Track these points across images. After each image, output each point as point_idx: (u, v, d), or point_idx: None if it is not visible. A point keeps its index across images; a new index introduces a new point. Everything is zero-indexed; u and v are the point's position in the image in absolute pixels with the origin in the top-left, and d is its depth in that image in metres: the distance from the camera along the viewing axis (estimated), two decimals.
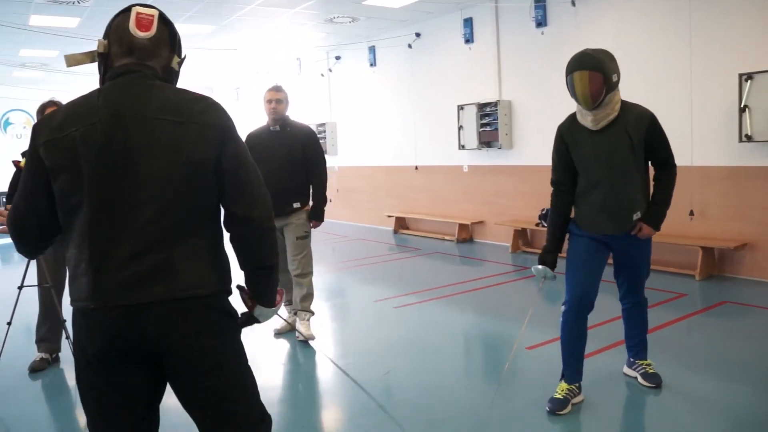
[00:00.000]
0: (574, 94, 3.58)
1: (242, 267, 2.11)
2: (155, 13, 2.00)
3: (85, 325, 1.92)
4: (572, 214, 3.89)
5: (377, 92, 12.05)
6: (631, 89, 7.45)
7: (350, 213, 13.17)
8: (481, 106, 9.49)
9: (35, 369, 4.78)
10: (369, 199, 12.57)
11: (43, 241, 2.06)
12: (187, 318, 1.92)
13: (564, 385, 3.81)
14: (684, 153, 7.16)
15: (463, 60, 10.00)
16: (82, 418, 3.78)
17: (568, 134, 3.76)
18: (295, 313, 5.41)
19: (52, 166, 1.90)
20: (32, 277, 4.76)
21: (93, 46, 2.10)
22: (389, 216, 11.70)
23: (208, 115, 1.96)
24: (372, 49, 11.98)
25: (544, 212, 8.24)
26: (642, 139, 3.60)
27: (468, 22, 9.84)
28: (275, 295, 2.20)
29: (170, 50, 2.06)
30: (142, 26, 1.98)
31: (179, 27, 8.25)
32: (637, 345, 4.12)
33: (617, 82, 3.59)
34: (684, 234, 7.27)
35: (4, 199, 4.95)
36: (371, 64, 12.07)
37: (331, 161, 13.38)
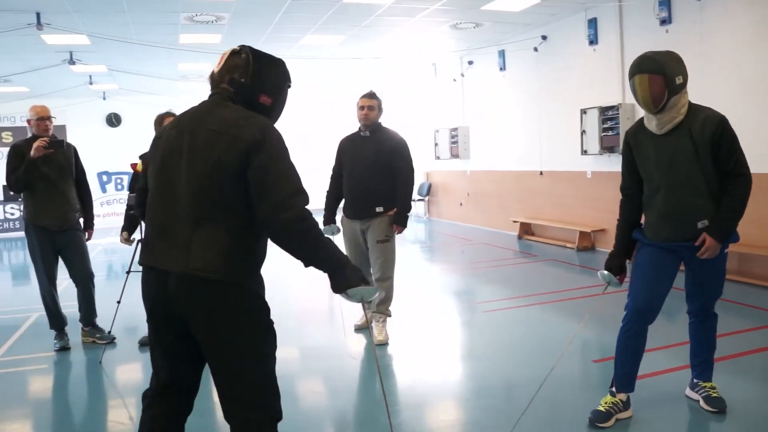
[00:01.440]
0: (636, 98, 3.49)
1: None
2: (227, 51, 2.57)
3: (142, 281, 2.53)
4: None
5: (507, 96, 11.93)
6: (762, 88, 6.93)
7: (480, 217, 13.13)
8: (603, 110, 9.13)
9: (144, 344, 5.43)
10: (498, 204, 12.46)
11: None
12: (194, 292, 2.35)
13: (609, 398, 3.68)
14: None
15: (588, 62, 9.67)
16: None
17: (633, 139, 3.68)
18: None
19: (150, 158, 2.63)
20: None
21: None
22: (514, 221, 11.55)
23: (243, 129, 2.37)
24: (501, 54, 11.88)
25: None
26: (708, 143, 3.41)
27: (592, 23, 9.49)
28: (343, 278, 2.45)
29: (240, 76, 2.52)
30: (217, 63, 2.60)
31: (310, 38, 8.62)
32: (701, 364, 3.85)
33: (682, 84, 3.44)
34: None
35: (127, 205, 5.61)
36: (501, 68, 11.98)
37: (463, 165, 13.54)
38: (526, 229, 11.44)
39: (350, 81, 16.48)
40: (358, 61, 13.23)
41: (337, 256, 2.45)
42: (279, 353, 2.50)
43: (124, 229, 5.60)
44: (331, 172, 5.70)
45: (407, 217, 5.46)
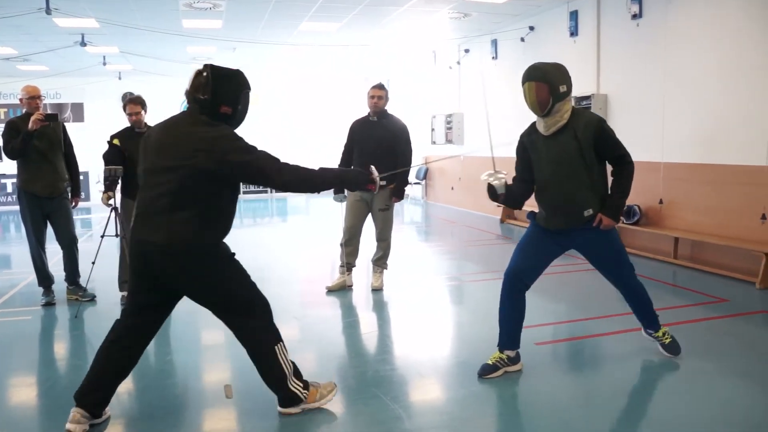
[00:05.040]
0: (526, 102, 4.02)
1: None
2: (193, 71, 3.38)
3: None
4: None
5: (498, 84, 12.32)
6: (721, 81, 7.28)
7: (471, 201, 13.58)
8: (579, 100, 9.51)
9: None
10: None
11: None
12: (171, 259, 3.27)
13: (496, 353, 4.19)
14: (759, 152, 6.86)
15: (568, 53, 10.00)
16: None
17: (527, 138, 4.21)
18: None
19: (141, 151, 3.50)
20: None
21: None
22: (498, 206, 11.94)
23: (205, 137, 3.22)
24: (494, 43, 12.27)
25: None
26: (591, 142, 3.94)
27: (574, 15, 9.85)
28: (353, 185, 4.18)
29: (202, 93, 3.32)
30: (188, 82, 3.40)
31: (307, 24, 9.40)
32: (645, 318, 4.44)
33: (566, 92, 3.96)
34: (751, 239, 6.97)
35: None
36: (493, 57, 12.37)
37: (457, 151, 13.94)
38: (508, 213, 11.88)
39: (354, 66, 16.97)
40: (361, 48, 13.70)
41: (333, 176, 3.62)
42: None
43: (105, 190, 6.03)
44: (342, 148, 6.61)
45: (404, 191, 6.45)
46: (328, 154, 11.36)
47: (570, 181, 3.99)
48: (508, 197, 4.15)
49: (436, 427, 3.51)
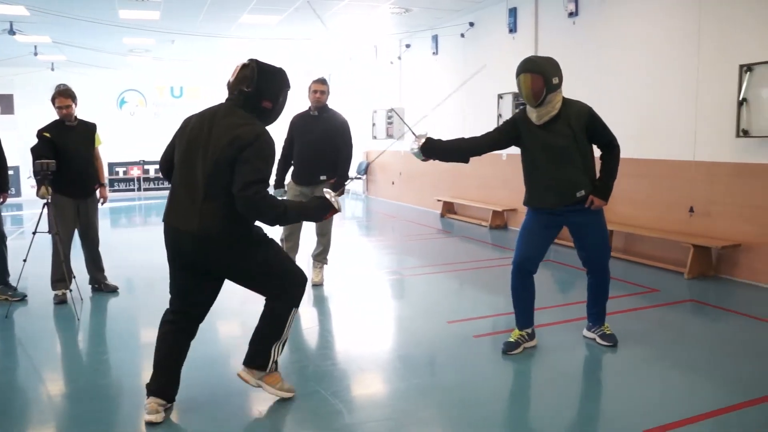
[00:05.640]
0: (520, 93, 4.21)
1: None
2: (239, 64, 3.43)
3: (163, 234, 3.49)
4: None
5: (438, 80, 12.43)
6: (652, 78, 7.51)
7: (411, 196, 13.68)
8: (517, 96, 9.68)
9: (60, 302, 5.92)
10: (428, 183, 13.00)
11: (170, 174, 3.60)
12: (204, 247, 3.33)
13: (516, 331, 4.57)
14: (686, 147, 7.12)
15: (507, 49, 10.19)
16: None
17: (522, 123, 4.39)
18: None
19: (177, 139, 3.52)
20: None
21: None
22: (438, 200, 12.12)
23: (244, 132, 3.26)
24: (435, 38, 12.36)
25: None
26: (583, 129, 4.27)
27: (512, 12, 10.01)
28: (316, 215, 3.59)
29: (247, 86, 3.36)
30: (232, 74, 3.44)
31: (247, 17, 9.33)
32: (596, 313, 4.74)
33: (558, 84, 4.22)
34: (681, 230, 7.22)
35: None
36: (434, 53, 12.45)
37: (397, 146, 14.00)
38: (448, 208, 12.01)
39: (295, 60, 16.84)
40: (302, 42, 13.61)
41: (297, 211, 3.51)
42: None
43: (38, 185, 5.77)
44: (283, 143, 6.46)
45: (344, 185, 6.29)
46: None
47: (564, 165, 4.28)
48: (440, 153, 4.41)
49: (377, 421, 3.53)
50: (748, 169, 6.54)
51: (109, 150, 10.78)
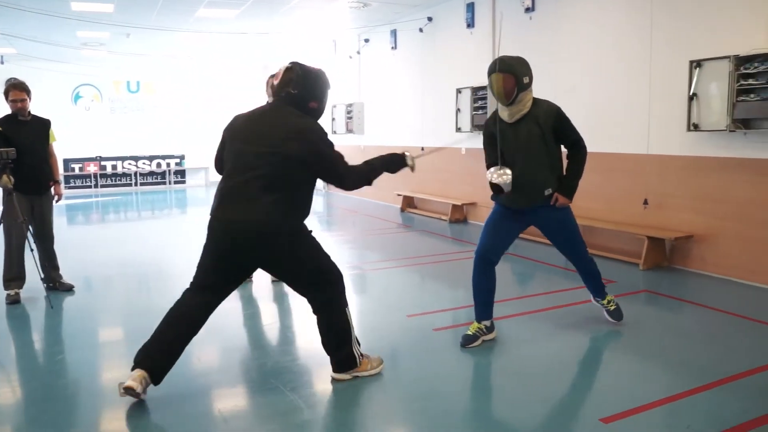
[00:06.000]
0: (492, 92, 4.30)
1: None
2: (283, 67, 3.69)
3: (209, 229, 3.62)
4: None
5: (397, 75, 12.46)
6: (605, 73, 7.64)
7: (371, 191, 13.67)
8: (475, 90, 9.76)
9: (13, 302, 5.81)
10: (388, 178, 12.96)
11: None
12: (257, 239, 3.49)
13: (474, 324, 4.61)
14: (641, 141, 7.27)
15: (465, 44, 10.26)
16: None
17: (494, 126, 4.48)
18: None
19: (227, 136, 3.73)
20: None
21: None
22: (398, 195, 12.16)
23: (296, 125, 3.52)
24: (393, 33, 12.38)
25: None
26: (551, 129, 4.38)
27: (470, 7, 10.08)
28: (395, 166, 4.11)
29: (293, 88, 3.62)
30: (276, 76, 3.74)
31: (204, 11, 9.18)
32: (594, 288, 4.96)
33: (528, 84, 4.30)
34: (635, 223, 7.38)
35: None
36: (393, 47, 12.48)
37: (357, 140, 13.99)
38: (408, 203, 12.07)
39: (253, 54, 16.70)
40: (260, 36, 13.49)
41: (380, 165, 3.96)
42: None
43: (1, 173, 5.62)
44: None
45: None
46: None
47: (533, 163, 4.39)
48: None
49: (336, 415, 3.55)
50: (698, 162, 6.71)
51: (64, 146, 10.59)
